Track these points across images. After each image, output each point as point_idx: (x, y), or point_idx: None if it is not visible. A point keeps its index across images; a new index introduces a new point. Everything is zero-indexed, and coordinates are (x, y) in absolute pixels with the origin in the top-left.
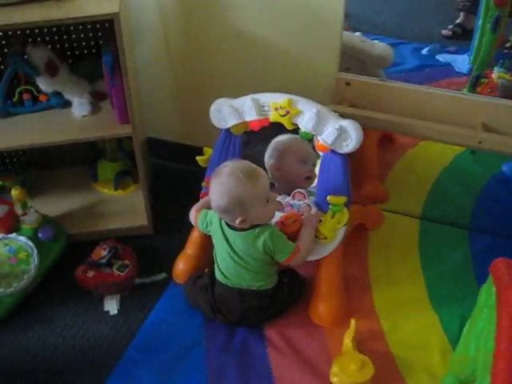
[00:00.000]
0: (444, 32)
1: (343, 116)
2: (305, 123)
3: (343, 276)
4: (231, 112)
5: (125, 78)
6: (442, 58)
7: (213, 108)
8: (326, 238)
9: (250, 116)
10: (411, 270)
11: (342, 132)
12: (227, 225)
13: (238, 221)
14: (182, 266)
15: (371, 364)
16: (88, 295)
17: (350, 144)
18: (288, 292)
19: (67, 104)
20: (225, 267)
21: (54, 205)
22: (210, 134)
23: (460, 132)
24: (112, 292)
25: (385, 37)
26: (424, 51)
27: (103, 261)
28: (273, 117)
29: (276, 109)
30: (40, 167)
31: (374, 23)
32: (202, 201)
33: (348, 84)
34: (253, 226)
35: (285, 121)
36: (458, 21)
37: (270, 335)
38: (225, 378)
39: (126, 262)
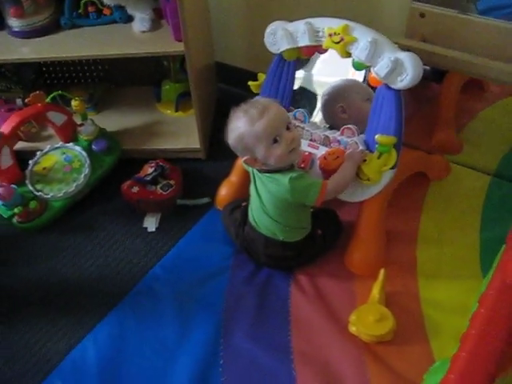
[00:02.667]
0: None
1: (411, 50)
2: (358, 52)
3: (385, 224)
4: (284, 36)
5: None
6: None
7: (268, 31)
8: (369, 180)
9: (303, 41)
10: (467, 229)
11: (397, 65)
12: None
13: (243, 159)
14: (224, 193)
15: (392, 318)
16: (131, 210)
17: (406, 79)
18: (321, 242)
19: (130, 19)
20: (254, 210)
21: (116, 120)
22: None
23: None
24: (153, 210)
25: None
26: None
27: (148, 178)
28: (326, 43)
29: (330, 35)
30: (109, 83)
31: None
32: None
33: (423, 15)
34: (274, 170)
35: (338, 48)
36: None
37: (297, 275)
38: (240, 308)
39: (171, 182)
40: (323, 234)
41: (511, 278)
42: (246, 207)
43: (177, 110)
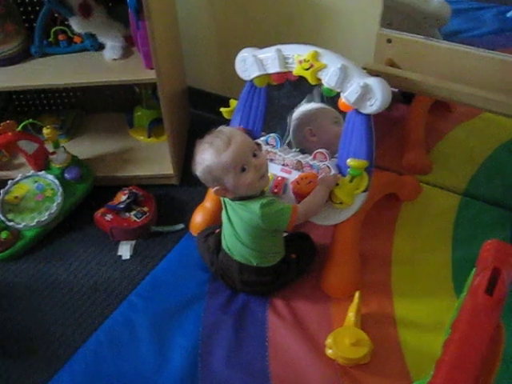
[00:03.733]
0: None
1: (379, 75)
2: (328, 78)
3: (359, 246)
4: (255, 63)
5: (148, 21)
6: None
7: (238, 58)
8: (341, 204)
9: (273, 68)
10: (439, 249)
11: (366, 90)
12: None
13: (214, 190)
14: (198, 219)
15: (368, 341)
16: (105, 238)
17: (375, 104)
18: (296, 266)
19: (101, 47)
20: (227, 237)
21: (88, 147)
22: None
23: (508, 101)
24: (127, 237)
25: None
26: (510, 14)
27: (121, 205)
28: (296, 70)
29: (300, 62)
30: (81, 110)
31: None
32: None
33: (389, 41)
34: (245, 197)
35: (308, 75)
36: None
37: (273, 299)
38: (217, 335)
39: (145, 209)
40: (297, 258)
41: (482, 303)
42: (219, 234)
43: (149, 136)
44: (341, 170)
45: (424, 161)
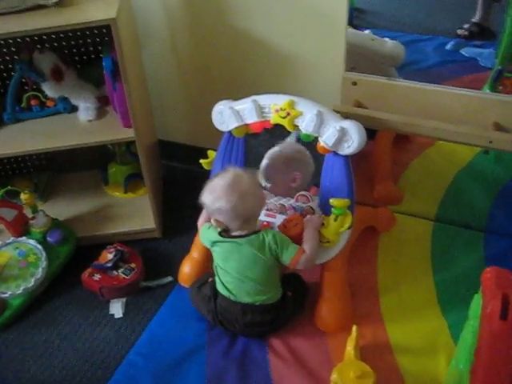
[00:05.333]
0: (460, 32)
1: (349, 117)
2: (305, 125)
3: (347, 280)
4: (232, 114)
5: (125, 83)
6: (466, 52)
7: (214, 110)
8: (328, 242)
9: (251, 118)
10: (421, 274)
11: (343, 133)
12: (229, 236)
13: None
14: (187, 270)
15: (372, 373)
16: (94, 298)
17: (352, 145)
18: (292, 305)
19: (74, 109)
20: (227, 281)
21: (65, 208)
22: (218, 136)
23: (469, 131)
24: (117, 295)
25: (406, 33)
26: (448, 46)
27: (109, 264)
28: (273, 119)
29: (276, 111)
30: (53, 171)
31: (394, 19)
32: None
33: (355, 84)
34: (253, 232)
35: (285, 123)
36: (474, 19)
37: (272, 341)
38: None
39: (132, 265)
40: (293, 296)
41: (498, 328)
42: (214, 282)
43: (126, 192)
44: (323, 210)
45: (394, 191)
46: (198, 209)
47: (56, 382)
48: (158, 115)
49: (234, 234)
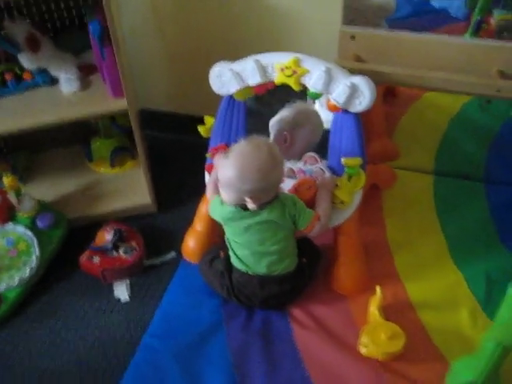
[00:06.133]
0: None
1: (351, 72)
2: (313, 83)
3: (361, 241)
4: (232, 77)
5: (116, 48)
6: (436, 3)
7: (212, 74)
8: (342, 203)
9: (254, 80)
10: (430, 229)
11: (354, 90)
12: (247, 210)
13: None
14: (192, 244)
15: (402, 333)
16: (96, 282)
17: (364, 102)
18: (308, 270)
19: (54, 81)
20: (244, 255)
21: (50, 189)
22: (205, 101)
23: (477, 81)
24: (121, 277)
25: None
26: None
27: (108, 245)
28: (278, 78)
29: (282, 69)
30: (30, 150)
31: None
32: (214, 176)
33: (353, 37)
34: (269, 201)
35: (291, 82)
36: None
37: (292, 310)
38: (249, 359)
39: (133, 243)
40: (308, 262)
41: None
42: (226, 257)
43: (113, 167)
44: (334, 171)
45: (391, 147)
46: (189, 180)
47: (72, 374)
48: (139, 82)
49: (251, 206)
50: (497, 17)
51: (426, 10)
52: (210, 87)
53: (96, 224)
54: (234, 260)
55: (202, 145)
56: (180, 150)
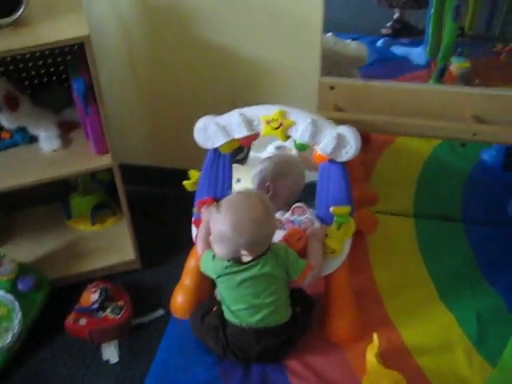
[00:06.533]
0: (384, 31)
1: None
2: (300, 134)
3: (352, 289)
4: (218, 130)
5: (101, 105)
6: (396, 50)
7: (197, 127)
8: (333, 252)
9: (240, 133)
10: (417, 271)
11: (340, 140)
12: (240, 263)
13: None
14: (180, 300)
15: (403, 379)
16: (82, 344)
17: (350, 151)
18: (302, 320)
19: (33, 139)
20: (239, 309)
21: (29, 249)
22: (183, 154)
23: (455, 126)
24: (109, 338)
25: (338, 33)
26: (379, 43)
27: (94, 305)
28: (264, 131)
29: (268, 122)
30: (6, 210)
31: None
32: (203, 230)
33: (332, 88)
34: (263, 252)
35: (278, 134)
36: (395, 17)
37: (289, 363)
38: None
39: (120, 303)
40: (301, 311)
41: None
42: (220, 311)
43: (94, 224)
44: (322, 220)
45: (369, 193)
46: (173, 234)
47: None
48: (117, 137)
49: (246, 259)
50: (456, 64)
51: (388, 57)
52: (188, 141)
53: (79, 283)
54: (227, 314)
55: (185, 197)
56: (161, 203)
